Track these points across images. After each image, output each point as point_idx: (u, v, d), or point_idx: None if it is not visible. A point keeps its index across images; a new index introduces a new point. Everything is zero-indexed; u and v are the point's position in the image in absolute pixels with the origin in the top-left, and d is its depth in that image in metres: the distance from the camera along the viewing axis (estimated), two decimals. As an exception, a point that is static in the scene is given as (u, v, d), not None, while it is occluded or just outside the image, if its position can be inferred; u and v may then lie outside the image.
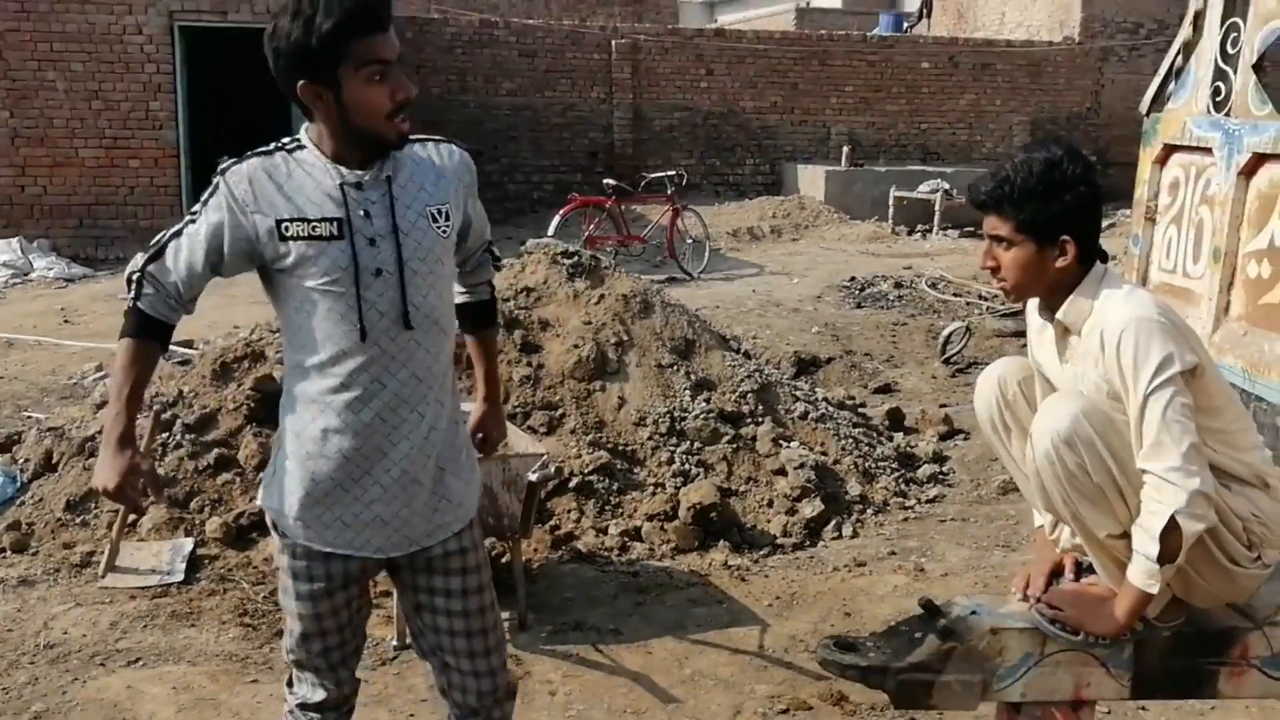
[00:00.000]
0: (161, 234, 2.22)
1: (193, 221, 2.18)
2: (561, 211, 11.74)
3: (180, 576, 4.30)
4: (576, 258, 5.86)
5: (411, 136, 2.23)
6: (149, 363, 2.22)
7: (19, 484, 4.99)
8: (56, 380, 7.32)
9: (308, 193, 2.15)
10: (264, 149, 2.22)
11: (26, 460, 5.13)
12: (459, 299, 2.52)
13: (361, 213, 2.15)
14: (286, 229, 2.13)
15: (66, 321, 9.37)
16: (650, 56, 17.14)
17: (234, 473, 4.81)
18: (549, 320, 5.52)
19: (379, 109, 2.11)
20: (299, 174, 2.17)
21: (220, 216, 2.15)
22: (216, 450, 4.86)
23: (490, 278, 2.61)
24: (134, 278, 2.19)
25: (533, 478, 3.82)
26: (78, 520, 4.69)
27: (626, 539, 4.63)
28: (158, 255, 2.19)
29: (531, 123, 16.64)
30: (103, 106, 12.38)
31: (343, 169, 2.17)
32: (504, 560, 4.16)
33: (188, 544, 4.50)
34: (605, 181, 12.45)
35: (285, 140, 2.23)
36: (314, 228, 2.14)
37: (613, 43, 16.90)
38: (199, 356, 5.86)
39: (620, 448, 5.01)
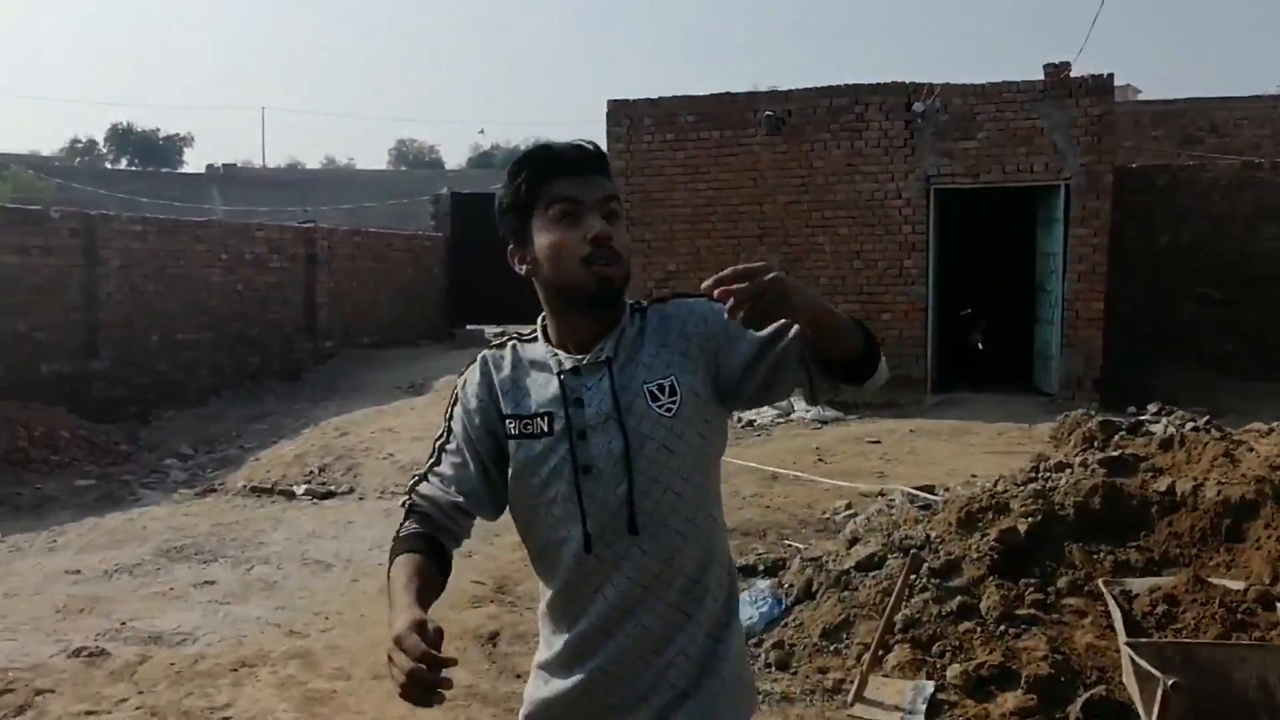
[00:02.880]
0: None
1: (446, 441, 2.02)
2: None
3: (921, 718, 4.44)
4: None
5: (662, 300, 1.98)
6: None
7: (783, 606, 5.55)
8: (811, 514, 8.04)
9: (531, 386, 1.94)
10: (499, 341, 2.06)
11: (790, 585, 5.69)
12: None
13: (576, 400, 1.88)
14: (510, 427, 1.93)
15: (820, 460, 10.27)
16: None
17: (975, 621, 4.88)
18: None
19: (571, 252, 1.85)
20: (524, 366, 1.97)
21: (460, 424, 2.00)
22: (959, 598, 4.98)
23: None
24: None
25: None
26: (831, 648, 5.07)
27: None
28: None
29: (1299, 268, 15.00)
30: (862, 265, 13.60)
31: (562, 354, 1.92)
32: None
33: (929, 687, 4.63)
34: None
35: (524, 330, 2.04)
36: (526, 425, 1.91)
37: None
38: (941, 503, 6.09)
39: None
